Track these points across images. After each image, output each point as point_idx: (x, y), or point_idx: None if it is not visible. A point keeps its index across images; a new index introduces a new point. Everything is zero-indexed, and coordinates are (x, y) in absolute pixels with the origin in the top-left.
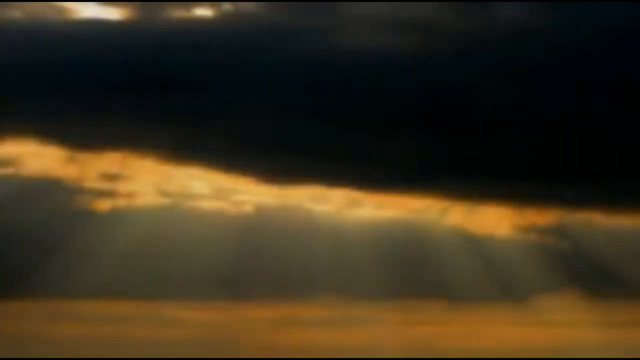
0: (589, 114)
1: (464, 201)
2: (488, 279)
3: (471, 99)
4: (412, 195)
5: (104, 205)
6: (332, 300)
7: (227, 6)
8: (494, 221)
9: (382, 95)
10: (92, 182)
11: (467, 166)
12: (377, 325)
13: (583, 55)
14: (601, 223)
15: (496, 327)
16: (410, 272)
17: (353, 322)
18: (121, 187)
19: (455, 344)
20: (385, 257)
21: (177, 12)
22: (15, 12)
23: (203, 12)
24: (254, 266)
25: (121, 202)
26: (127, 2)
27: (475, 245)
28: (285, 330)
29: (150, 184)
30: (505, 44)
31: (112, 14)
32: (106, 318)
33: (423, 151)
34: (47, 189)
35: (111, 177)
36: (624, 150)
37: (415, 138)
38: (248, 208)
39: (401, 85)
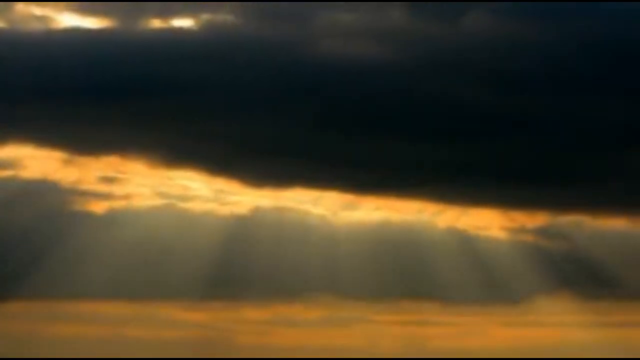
0: (563, 118)
1: (455, 204)
2: (480, 280)
3: (444, 105)
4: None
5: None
6: (326, 300)
7: (205, 17)
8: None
9: (359, 101)
10: (82, 184)
11: (452, 170)
12: (370, 325)
13: (555, 61)
14: (589, 225)
15: (488, 327)
16: (403, 274)
17: (346, 322)
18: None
19: (448, 343)
20: (378, 259)
21: (157, 23)
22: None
23: (182, 22)
24: (248, 268)
25: (116, 205)
26: (109, 13)
27: (466, 247)
28: (279, 330)
29: (144, 187)
30: (474, 51)
31: (94, 23)
32: (103, 319)
33: (396, 154)
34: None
35: (104, 181)
36: (606, 155)
37: (389, 141)
38: (242, 210)
39: (376, 90)
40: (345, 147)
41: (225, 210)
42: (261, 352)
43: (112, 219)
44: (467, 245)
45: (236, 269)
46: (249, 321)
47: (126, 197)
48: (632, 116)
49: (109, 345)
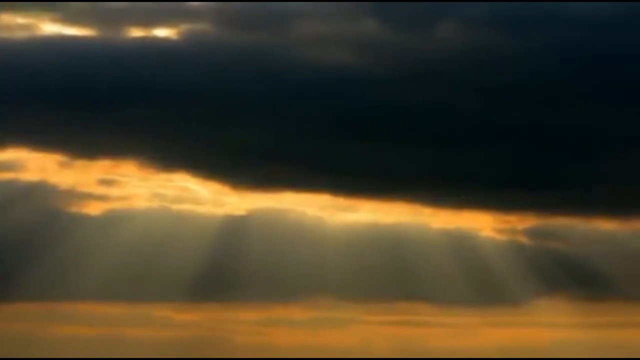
0: (536, 125)
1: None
2: (473, 281)
3: (422, 111)
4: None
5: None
6: (321, 302)
7: (184, 27)
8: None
9: (340, 107)
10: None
11: (443, 174)
12: (364, 326)
13: (526, 69)
14: (575, 226)
15: (481, 328)
16: (397, 275)
17: (341, 323)
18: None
19: (442, 344)
20: (373, 261)
21: (138, 32)
22: None
23: (163, 32)
24: (244, 269)
25: (110, 208)
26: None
27: (459, 249)
28: (275, 330)
29: (137, 191)
30: (449, 60)
31: (77, 32)
32: (101, 320)
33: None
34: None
35: (101, 184)
36: (592, 160)
37: (373, 146)
38: (236, 213)
39: (353, 97)
40: (333, 152)
41: (220, 212)
42: (257, 352)
43: (108, 221)
44: (459, 247)
45: (232, 270)
46: (244, 322)
47: (123, 199)
48: (610, 123)
49: (108, 345)
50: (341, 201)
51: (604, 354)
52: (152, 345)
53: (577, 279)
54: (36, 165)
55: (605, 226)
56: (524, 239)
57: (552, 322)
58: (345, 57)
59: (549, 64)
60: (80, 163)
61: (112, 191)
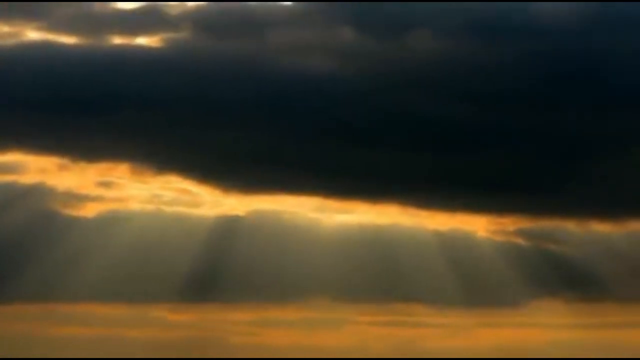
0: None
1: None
2: (465, 283)
3: (401, 116)
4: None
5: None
6: (316, 302)
7: (164, 36)
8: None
9: (321, 112)
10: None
11: (432, 177)
12: (359, 327)
13: (494, 76)
14: (569, 229)
15: (475, 329)
16: (390, 276)
17: (335, 323)
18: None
19: (436, 344)
20: (367, 262)
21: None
22: None
23: (144, 40)
24: (238, 270)
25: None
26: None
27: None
28: (270, 331)
29: (132, 193)
30: (426, 67)
31: (62, 40)
32: (99, 320)
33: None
34: None
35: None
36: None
37: (353, 151)
38: (229, 215)
39: (332, 103)
40: (323, 155)
41: (213, 214)
42: (252, 352)
43: (104, 223)
44: (453, 248)
45: (226, 271)
46: (240, 322)
47: (119, 201)
48: (581, 129)
49: (105, 345)
50: (335, 203)
51: (597, 354)
52: (149, 345)
53: (570, 280)
54: (33, 168)
55: (599, 228)
56: (517, 241)
57: (545, 323)
58: (323, 64)
59: (525, 72)
60: (76, 166)
61: (108, 193)
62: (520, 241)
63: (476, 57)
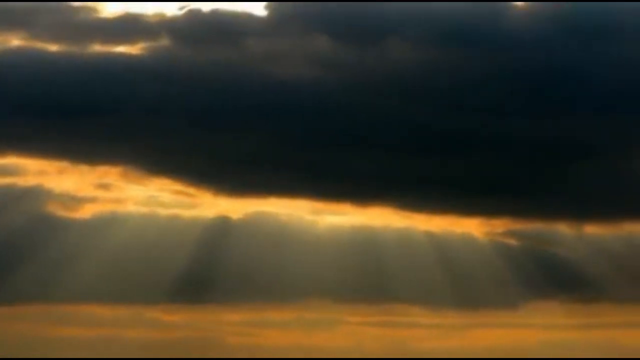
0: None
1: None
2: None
3: (370, 120)
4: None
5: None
6: (309, 303)
7: (145, 44)
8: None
9: (304, 117)
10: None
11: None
12: (351, 327)
13: (465, 82)
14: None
15: (468, 329)
16: (383, 277)
17: (329, 323)
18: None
19: (430, 344)
20: (360, 264)
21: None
22: None
23: (125, 48)
24: (231, 271)
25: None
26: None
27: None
28: (266, 331)
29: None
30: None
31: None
32: (96, 321)
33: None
34: None
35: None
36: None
37: (340, 154)
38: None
39: (312, 108)
40: (313, 159)
41: (208, 216)
42: (248, 352)
43: (100, 225)
44: (446, 250)
45: (222, 273)
46: (236, 323)
47: (115, 204)
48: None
49: (103, 346)
50: (328, 205)
51: (590, 354)
52: (146, 346)
53: (562, 281)
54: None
55: (590, 230)
56: (508, 242)
57: (537, 324)
58: (298, 70)
59: (503, 80)
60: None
61: (104, 196)
62: (511, 242)
63: (454, 66)
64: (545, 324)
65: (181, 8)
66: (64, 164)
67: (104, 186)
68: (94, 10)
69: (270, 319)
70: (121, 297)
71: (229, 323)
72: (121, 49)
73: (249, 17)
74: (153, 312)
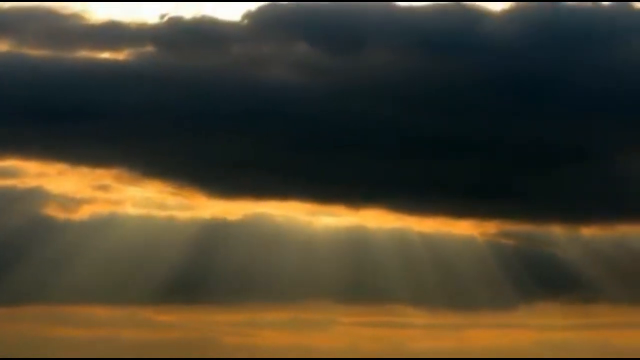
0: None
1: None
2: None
3: (351, 124)
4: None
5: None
6: (305, 303)
7: (129, 51)
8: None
9: (289, 121)
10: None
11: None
12: (346, 327)
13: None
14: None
15: (462, 330)
16: (377, 278)
17: (324, 324)
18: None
19: (424, 345)
20: (355, 265)
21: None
22: None
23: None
24: (227, 272)
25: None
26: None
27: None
28: (262, 332)
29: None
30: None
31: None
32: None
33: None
34: None
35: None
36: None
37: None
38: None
39: (296, 113)
40: (305, 162)
41: (202, 218)
42: (244, 352)
43: (96, 227)
44: (439, 251)
45: (218, 274)
46: (231, 323)
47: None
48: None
49: (101, 346)
50: (322, 207)
51: (584, 355)
52: (142, 346)
53: (555, 282)
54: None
55: (586, 232)
56: (502, 243)
57: (531, 324)
58: (280, 76)
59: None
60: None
61: (101, 198)
62: (506, 243)
63: (438, 71)
64: (540, 325)
65: (162, 16)
66: (61, 167)
67: (102, 188)
68: (80, 17)
69: (265, 320)
70: (118, 298)
71: (225, 323)
72: (106, 55)
73: (229, 25)
74: (150, 312)
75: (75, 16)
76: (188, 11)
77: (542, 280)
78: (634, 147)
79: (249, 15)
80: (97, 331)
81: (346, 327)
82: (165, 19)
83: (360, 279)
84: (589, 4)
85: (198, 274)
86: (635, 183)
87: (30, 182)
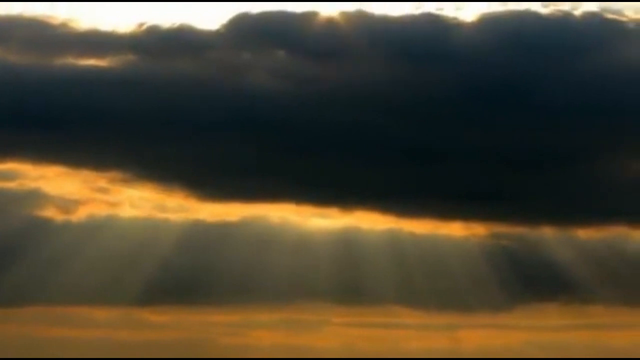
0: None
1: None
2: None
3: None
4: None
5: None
6: (299, 304)
7: (114, 59)
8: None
9: (273, 127)
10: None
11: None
12: (340, 328)
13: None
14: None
15: (457, 330)
16: (371, 279)
17: (318, 324)
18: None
19: (420, 345)
20: (349, 266)
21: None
22: None
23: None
24: (221, 273)
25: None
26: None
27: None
28: (256, 332)
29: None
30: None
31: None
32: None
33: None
34: None
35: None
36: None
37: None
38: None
39: (281, 119)
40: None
41: (199, 220)
42: (238, 353)
43: (93, 229)
44: (432, 252)
45: (212, 275)
46: (226, 324)
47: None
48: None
49: (97, 347)
50: (316, 209)
51: (576, 355)
52: (139, 347)
53: (550, 283)
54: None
55: (581, 234)
56: (494, 244)
57: (524, 325)
58: (260, 82)
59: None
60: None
61: (98, 199)
62: (497, 245)
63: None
64: (533, 325)
65: (140, 25)
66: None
67: (100, 190)
68: (64, 25)
69: (258, 320)
70: (115, 299)
71: (219, 324)
72: (92, 61)
73: (206, 32)
74: (146, 313)
75: (62, 25)
76: (166, 20)
77: (535, 281)
78: (617, 150)
79: (227, 24)
80: (94, 332)
81: (340, 327)
82: (144, 27)
83: (353, 279)
84: (562, 13)
85: (193, 276)
86: (626, 185)
87: (29, 184)
